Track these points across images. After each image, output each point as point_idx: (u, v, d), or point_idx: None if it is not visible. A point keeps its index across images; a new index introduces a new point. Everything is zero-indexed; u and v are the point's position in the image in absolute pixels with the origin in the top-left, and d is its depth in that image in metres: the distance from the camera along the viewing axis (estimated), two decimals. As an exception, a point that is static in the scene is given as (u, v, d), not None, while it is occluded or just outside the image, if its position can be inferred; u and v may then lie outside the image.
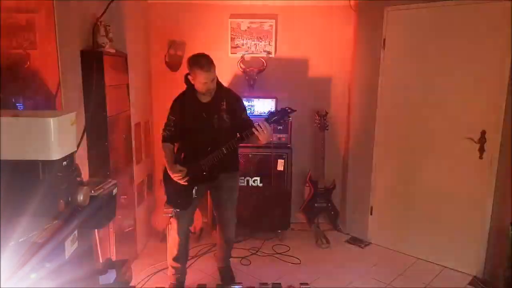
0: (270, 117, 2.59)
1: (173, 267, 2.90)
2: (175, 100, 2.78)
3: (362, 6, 3.66)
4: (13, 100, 1.87)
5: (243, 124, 2.73)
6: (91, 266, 1.91)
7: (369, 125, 3.68)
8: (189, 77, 2.64)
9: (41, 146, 1.45)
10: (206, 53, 2.63)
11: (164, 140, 2.78)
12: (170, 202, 2.81)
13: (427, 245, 3.44)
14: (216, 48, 3.83)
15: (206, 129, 2.67)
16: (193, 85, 2.64)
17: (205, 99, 2.69)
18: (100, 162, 2.70)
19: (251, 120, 2.80)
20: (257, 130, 2.48)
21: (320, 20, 3.91)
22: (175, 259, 2.87)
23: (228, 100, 2.73)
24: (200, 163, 2.66)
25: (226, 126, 2.70)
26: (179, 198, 2.74)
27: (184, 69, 3.82)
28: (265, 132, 2.47)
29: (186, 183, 2.67)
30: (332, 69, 4.02)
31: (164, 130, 2.79)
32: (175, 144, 2.82)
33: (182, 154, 2.79)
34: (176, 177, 2.65)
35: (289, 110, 2.59)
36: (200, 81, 2.57)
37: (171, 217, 2.88)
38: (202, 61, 2.55)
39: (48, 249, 1.35)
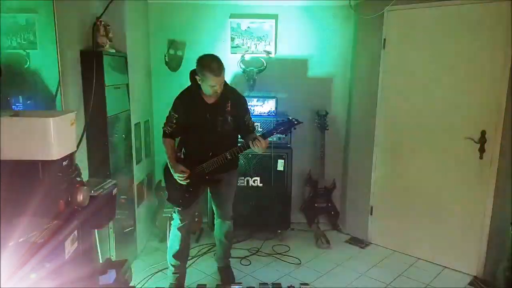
0: (276, 128, 2.64)
1: (173, 265, 2.89)
2: (179, 97, 2.71)
3: (362, 6, 3.66)
4: (13, 100, 1.87)
5: (246, 128, 2.74)
6: (90, 266, 1.90)
7: (369, 125, 3.68)
8: (197, 77, 2.56)
9: (41, 146, 1.45)
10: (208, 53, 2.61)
11: (165, 135, 2.73)
12: (171, 199, 2.81)
13: (427, 245, 3.44)
14: (216, 48, 3.83)
15: (209, 130, 2.65)
16: (199, 84, 2.57)
17: (210, 99, 2.64)
18: (100, 162, 2.70)
19: (253, 125, 2.82)
20: (252, 145, 2.54)
21: (320, 20, 3.91)
22: (176, 255, 2.86)
23: (233, 101, 2.69)
24: (203, 166, 2.66)
25: (229, 128, 2.68)
26: (180, 196, 2.73)
27: (184, 69, 3.86)
28: (260, 148, 2.54)
29: (186, 183, 2.67)
30: (332, 69, 4.01)
31: (165, 125, 2.73)
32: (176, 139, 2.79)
33: (182, 150, 2.78)
34: (178, 177, 2.64)
35: (295, 122, 2.64)
36: (209, 85, 2.51)
37: (172, 213, 2.88)
38: (213, 65, 2.47)
39: (48, 249, 1.35)
